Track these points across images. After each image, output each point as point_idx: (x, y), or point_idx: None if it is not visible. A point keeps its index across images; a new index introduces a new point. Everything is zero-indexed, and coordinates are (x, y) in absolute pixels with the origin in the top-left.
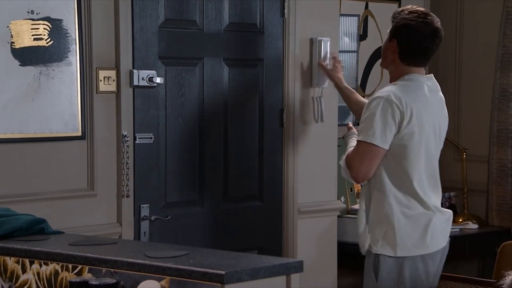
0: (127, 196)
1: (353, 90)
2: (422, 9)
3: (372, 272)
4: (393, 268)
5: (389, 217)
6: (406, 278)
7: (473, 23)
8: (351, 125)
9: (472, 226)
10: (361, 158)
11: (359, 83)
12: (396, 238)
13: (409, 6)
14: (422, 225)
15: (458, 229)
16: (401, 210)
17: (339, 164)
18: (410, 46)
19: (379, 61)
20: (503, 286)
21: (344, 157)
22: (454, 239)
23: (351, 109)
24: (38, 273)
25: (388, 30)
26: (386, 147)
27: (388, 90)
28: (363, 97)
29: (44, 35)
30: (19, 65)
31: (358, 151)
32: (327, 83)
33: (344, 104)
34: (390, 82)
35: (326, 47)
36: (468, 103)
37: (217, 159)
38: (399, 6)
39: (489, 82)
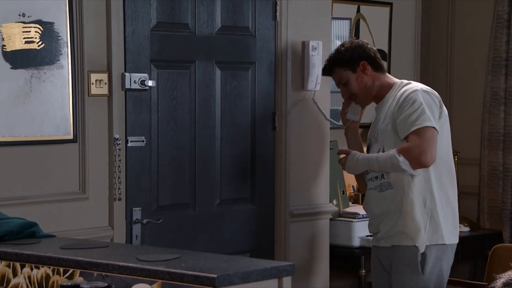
0: (119, 199)
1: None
2: (339, 45)
3: (418, 266)
4: (437, 257)
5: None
6: (445, 267)
7: (464, 26)
8: (346, 149)
9: (464, 229)
10: (429, 142)
11: None
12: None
13: (334, 50)
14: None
15: None
16: (447, 196)
17: (331, 167)
18: (373, 57)
19: None
20: None
21: (396, 152)
22: None
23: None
24: (29, 277)
25: (343, 73)
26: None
27: (415, 84)
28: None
29: (36, 38)
30: (10, 68)
31: (425, 137)
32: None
33: (336, 108)
34: (382, 96)
35: (318, 50)
36: (459, 106)
37: (209, 162)
38: (391, 10)
39: (480, 86)
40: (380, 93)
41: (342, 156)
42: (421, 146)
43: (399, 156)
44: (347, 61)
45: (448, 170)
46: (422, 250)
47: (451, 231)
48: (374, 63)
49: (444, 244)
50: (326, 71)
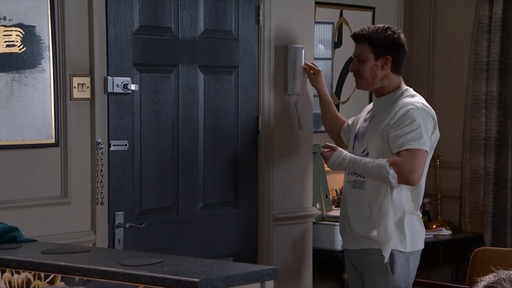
0: (101, 204)
1: (332, 102)
2: (388, 25)
3: (388, 267)
4: (405, 262)
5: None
6: (412, 269)
7: (446, 31)
8: (332, 145)
9: (446, 232)
10: (420, 163)
11: (334, 90)
12: (408, 235)
13: (380, 25)
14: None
15: (431, 235)
16: (415, 210)
17: (314, 171)
18: (401, 58)
19: None
20: None
21: (387, 164)
22: (428, 245)
23: (324, 120)
24: (10, 282)
25: (367, 52)
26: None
27: (417, 100)
28: (338, 104)
29: (17, 41)
30: None
31: (417, 158)
32: (301, 90)
33: (320, 111)
34: (385, 94)
35: (301, 54)
36: (441, 110)
37: (192, 166)
38: (373, 14)
39: (462, 90)
40: (384, 90)
41: (326, 150)
42: (413, 164)
43: (390, 169)
44: (379, 46)
45: (420, 184)
46: (387, 257)
47: (418, 239)
48: (397, 64)
49: (411, 251)
50: (357, 37)
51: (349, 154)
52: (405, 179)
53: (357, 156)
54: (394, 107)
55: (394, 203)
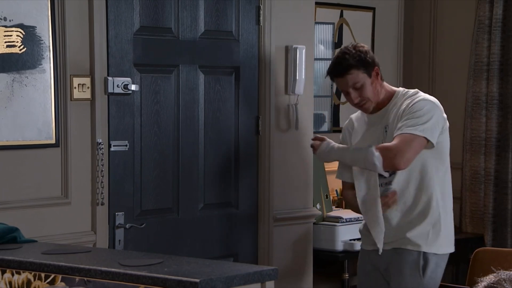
0: (102, 204)
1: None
2: (346, 45)
3: (420, 270)
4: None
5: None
6: (439, 274)
7: (446, 31)
8: (321, 136)
9: None
10: (411, 148)
11: (334, 90)
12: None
13: (346, 49)
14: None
15: None
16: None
17: (314, 171)
18: (379, 64)
19: None
20: None
21: (374, 147)
22: None
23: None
24: (10, 282)
25: (360, 76)
26: (434, 141)
27: (428, 96)
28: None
29: (17, 42)
30: None
31: (409, 142)
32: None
33: (320, 112)
34: (383, 105)
35: (301, 54)
36: None
37: (193, 166)
38: (373, 15)
39: (462, 90)
40: (382, 102)
41: (316, 142)
42: (401, 148)
43: (376, 151)
44: (367, 64)
45: (450, 182)
46: (380, 248)
47: (450, 241)
48: (380, 71)
49: (444, 253)
50: (341, 71)
51: (336, 143)
52: (390, 162)
53: (344, 145)
54: (398, 110)
55: (438, 200)
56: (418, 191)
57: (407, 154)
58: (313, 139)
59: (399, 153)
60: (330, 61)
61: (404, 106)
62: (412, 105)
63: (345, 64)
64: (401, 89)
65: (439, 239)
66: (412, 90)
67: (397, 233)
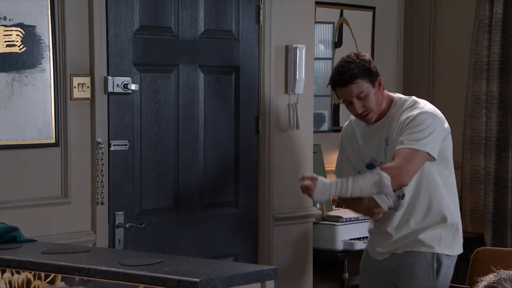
0: (102, 204)
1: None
2: (349, 53)
3: (434, 272)
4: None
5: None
6: (450, 276)
7: (447, 31)
8: (311, 175)
9: None
10: (411, 163)
11: None
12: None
13: (349, 58)
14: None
15: None
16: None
17: (314, 171)
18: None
19: None
20: None
21: (381, 171)
22: None
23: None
24: (10, 282)
25: (364, 85)
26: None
27: (429, 106)
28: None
29: (17, 41)
30: None
31: (410, 158)
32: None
33: (320, 111)
34: (382, 115)
35: (301, 54)
36: (441, 110)
37: (193, 166)
38: (374, 14)
39: (462, 90)
40: (382, 111)
41: (306, 182)
42: (404, 164)
43: (383, 172)
44: (371, 74)
45: (455, 183)
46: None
47: (460, 242)
48: (381, 80)
49: (455, 255)
50: (345, 81)
51: (327, 179)
52: (395, 180)
53: (339, 179)
54: (398, 122)
55: (447, 202)
56: (427, 197)
57: (410, 171)
58: (301, 179)
59: (403, 171)
60: (332, 71)
61: (403, 118)
62: (412, 119)
63: (350, 73)
64: (398, 96)
65: (451, 240)
66: (409, 100)
67: (409, 237)
